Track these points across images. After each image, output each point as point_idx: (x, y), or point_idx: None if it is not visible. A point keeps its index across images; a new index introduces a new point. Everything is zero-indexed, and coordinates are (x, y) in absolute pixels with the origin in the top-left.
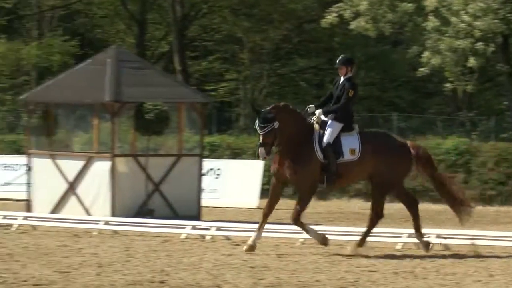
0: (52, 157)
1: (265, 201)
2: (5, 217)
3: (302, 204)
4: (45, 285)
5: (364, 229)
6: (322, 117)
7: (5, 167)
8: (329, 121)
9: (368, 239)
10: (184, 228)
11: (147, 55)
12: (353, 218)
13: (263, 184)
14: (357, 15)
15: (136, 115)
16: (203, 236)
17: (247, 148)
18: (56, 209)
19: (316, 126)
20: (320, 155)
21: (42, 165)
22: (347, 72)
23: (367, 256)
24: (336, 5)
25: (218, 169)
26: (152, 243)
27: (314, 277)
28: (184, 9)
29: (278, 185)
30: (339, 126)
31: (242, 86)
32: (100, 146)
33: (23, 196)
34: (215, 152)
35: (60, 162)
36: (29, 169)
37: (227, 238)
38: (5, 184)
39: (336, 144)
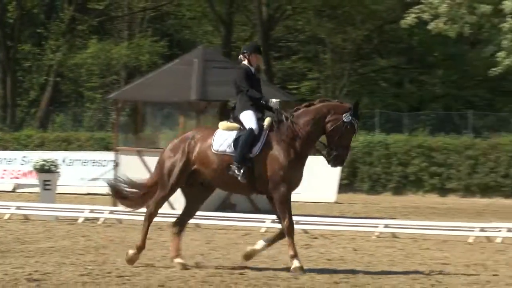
0: (139, 153)
1: (343, 196)
2: (92, 211)
3: None
4: (128, 276)
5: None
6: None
7: (94, 163)
8: None
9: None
10: (264, 222)
11: (233, 55)
12: (427, 213)
13: (341, 179)
14: (436, 16)
15: (221, 113)
16: None
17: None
18: None
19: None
20: None
21: (129, 161)
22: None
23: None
24: (416, 7)
25: None
26: (233, 236)
27: (388, 269)
28: (270, 10)
29: None
30: None
31: (323, 85)
32: None
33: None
34: None
35: (147, 158)
36: (116, 165)
37: (305, 231)
38: (94, 179)
39: None
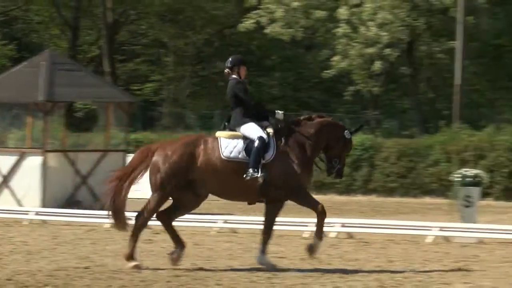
0: None
1: None
2: None
3: None
4: None
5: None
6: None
7: None
8: None
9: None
10: (108, 218)
11: (79, 58)
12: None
13: None
14: (273, 21)
15: (67, 113)
16: None
17: None
18: None
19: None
20: None
21: None
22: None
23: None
24: (254, 12)
25: None
26: (78, 231)
27: (227, 263)
28: (115, 15)
29: None
30: None
31: (166, 86)
32: (33, 142)
33: None
34: (139, 148)
35: None
36: None
37: (149, 227)
38: None
39: None
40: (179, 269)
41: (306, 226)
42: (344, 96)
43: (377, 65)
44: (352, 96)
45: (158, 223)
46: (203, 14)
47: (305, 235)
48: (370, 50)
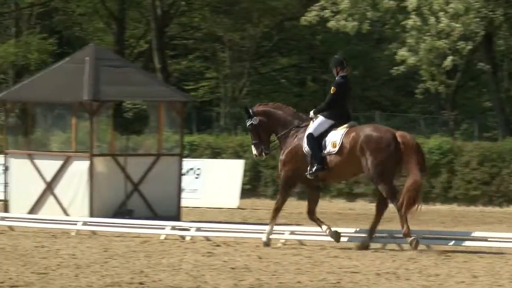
0: (30, 156)
1: (245, 201)
2: None
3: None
4: (22, 286)
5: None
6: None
7: None
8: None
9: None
10: (163, 228)
11: (126, 54)
12: (335, 219)
13: (244, 184)
14: (337, 13)
15: (115, 114)
16: (182, 237)
17: (227, 148)
18: (34, 209)
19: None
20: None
21: (20, 164)
22: (338, 72)
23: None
24: (317, 4)
25: (198, 169)
26: (131, 244)
27: (295, 278)
28: (164, 7)
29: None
30: (324, 121)
31: (223, 84)
32: (78, 146)
33: (0, 196)
34: (195, 152)
35: (38, 161)
36: (6, 169)
37: (207, 238)
38: None
39: (321, 138)
40: (243, 284)
41: None
42: (423, 93)
43: (449, 61)
44: (427, 95)
45: (218, 234)
46: (260, 5)
47: None
48: (442, 42)
